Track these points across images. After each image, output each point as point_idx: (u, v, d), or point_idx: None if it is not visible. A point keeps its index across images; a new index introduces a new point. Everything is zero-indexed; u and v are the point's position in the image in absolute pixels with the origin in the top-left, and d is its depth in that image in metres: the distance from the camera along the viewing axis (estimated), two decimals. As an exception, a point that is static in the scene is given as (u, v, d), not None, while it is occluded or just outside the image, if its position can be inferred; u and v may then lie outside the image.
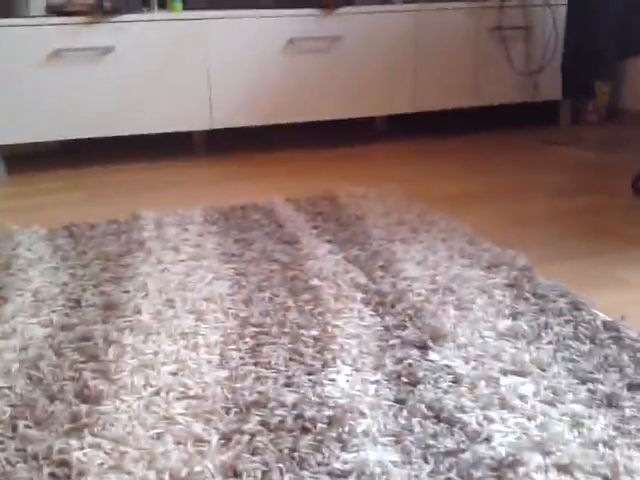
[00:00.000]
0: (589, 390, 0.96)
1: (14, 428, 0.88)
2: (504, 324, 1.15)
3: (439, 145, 2.60)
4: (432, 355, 1.05)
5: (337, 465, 0.81)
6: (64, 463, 0.81)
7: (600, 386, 0.96)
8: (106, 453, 0.83)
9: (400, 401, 0.94)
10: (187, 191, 2.03)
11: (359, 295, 1.26)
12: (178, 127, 2.36)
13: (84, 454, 0.83)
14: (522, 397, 0.94)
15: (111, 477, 0.79)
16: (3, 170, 2.23)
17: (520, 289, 1.29)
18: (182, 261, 1.43)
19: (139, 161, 2.38)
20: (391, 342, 1.09)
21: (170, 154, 2.46)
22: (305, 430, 0.88)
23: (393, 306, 1.21)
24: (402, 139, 2.69)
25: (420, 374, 0.99)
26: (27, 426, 0.88)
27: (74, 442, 0.85)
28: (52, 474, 0.80)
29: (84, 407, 0.92)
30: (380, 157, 2.44)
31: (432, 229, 1.61)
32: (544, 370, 1.01)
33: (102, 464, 0.81)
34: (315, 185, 2.02)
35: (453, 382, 0.98)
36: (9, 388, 0.97)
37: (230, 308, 1.22)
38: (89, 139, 2.28)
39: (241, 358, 1.05)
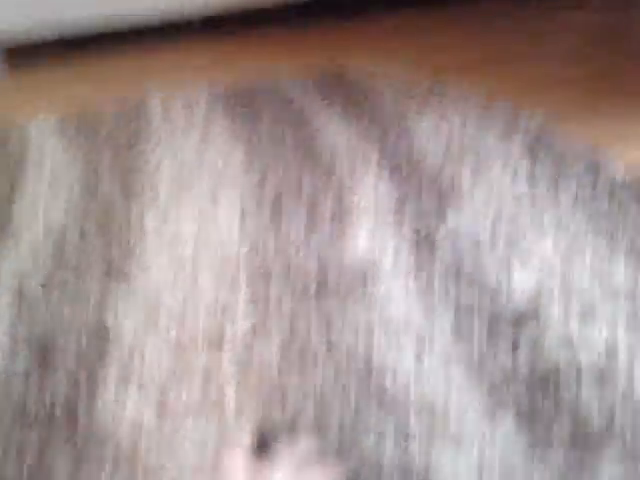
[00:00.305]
0: (609, 246, 0.97)
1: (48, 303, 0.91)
2: (521, 187, 1.15)
3: (440, 15, 2.51)
4: (450, 219, 1.06)
5: (362, 324, 0.84)
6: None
7: (620, 242, 0.98)
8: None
9: (419, 265, 0.96)
10: (190, 73, 1.99)
11: (374, 163, 1.26)
12: (179, 8, 2.28)
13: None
14: (542, 256, 0.96)
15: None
16: (3, 62, 2.18)
17: (537, 151, 1.28)
18: (192, 144, 1.43)
19: (142, 45, 2.32)
20: (408, 208, 1.10)
21: (171, 36, 2.39)
22: (327, 294, 0.90)
23: (409, 172, 1.21)
24: (402, 11, 2.59)
25: (438, 238, 1.01)
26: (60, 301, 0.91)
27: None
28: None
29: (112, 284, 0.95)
30: (384, 30, 2.37)
31: (444, 98, 1.59)
32: (563, 230, 1.02)
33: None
34: (321, 62, 1.97)
35: (472, 245, 1.00)
36: (37, 270, 0.99)
37: (244, 188, 1.22)
38: (89, 27, 2.21)
39: (259, 234, 1.07)
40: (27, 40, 2.29)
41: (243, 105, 1.63)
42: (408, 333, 0.82)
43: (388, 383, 0.74)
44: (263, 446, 0.44)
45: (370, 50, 2.10)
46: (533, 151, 1.29)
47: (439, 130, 1.40)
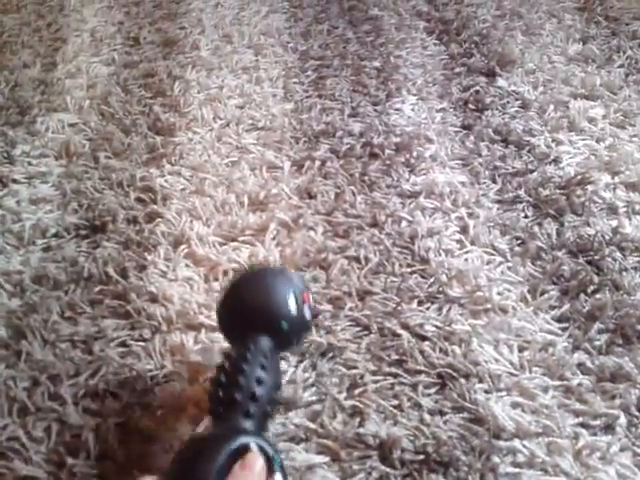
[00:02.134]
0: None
1: (96, 159, 0.92)
2: (574, 48, 1.11)
3: None
4: (499, 81, 1.03)
5: (406, 186, 0.84)
6: (148, 189, 0.86)
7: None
8: (186, 179, 0.88)
9: (467, 127, 0.94)
10: None
11: (422, 24, 1.21)
12: None
13: (166, 181, 0.87)
14: (591, 120, 0.94)
15: (194, 200, 0.84)
16: None
17: (591, 12, 1.22)
18: (235, -5, 1.38)
19: None
20: (457, 70, 1.07)
21: None
22: (373, 156, 0.90)
23: (458, 33, 1.16)
24: None
25: (487, 100, 0.99)
26: (107, 157, 0.92)
27: (154, 170, 0.89)
28: (138, 199, 0.85)
29: (159, 139, 0.95)
30: None
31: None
32: (614, 93, 0.99)
33: (184, 189, 0.86)
34: None
35: (521, 107, 0.98)
36: (84, 123, 0.99)
37: (288, 42, 1.19)
38: None
39: (305, 91, 1.05)
40: None
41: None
42: (452, 199, 0.82)
43: (432, 251, 0.75)
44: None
45: None
46: (588, 10, 1.23)
47: (493, -16, 1.33)
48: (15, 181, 0.88)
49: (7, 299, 0.71)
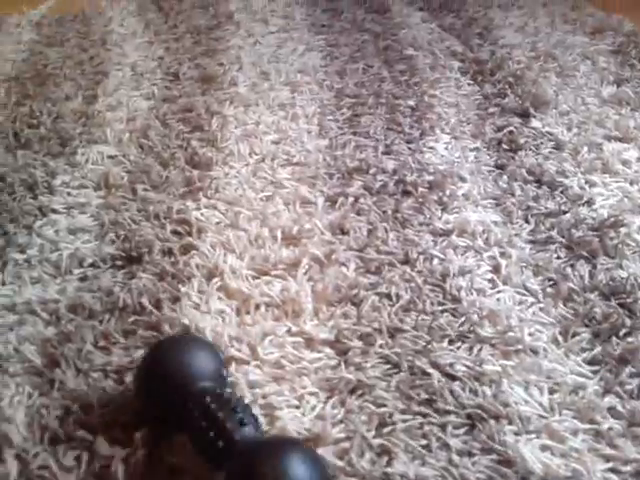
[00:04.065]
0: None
1: (134, 191, 0.94)
2: (608, 90, 1.11)
3: None
4: (533, 122, 1.04)
5: (439, 225, 0.85)
6: (184, 222, 0.87)
7: None
8: (221, 213, 0.89)
9: (500, 166, 0.95)
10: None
11: (456, 64, 1.22)
12: None
13: (202, 214, 0.89)
14: (625, 162, 0.94)
15: (229, 234, 0.85)
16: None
17: (626, 55, 1.22)
18: (272, 33, 1.41)
19: None
20: (490, 110, 1.08)
21: None
22: (406, 194, 0.91)
23: (492, 74, 1.18)
24: None
25: (521, 141, 0.99)
26: (145, 189, 0.94)
27: (191, 203, 0.91)
28: (174, 231, 0.86)
29: (196, 172, 0.97)
30: None
31: (533, -7, 1.51)
32: (650, 136, 0.99)
33: (219, 223, 0.87)
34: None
35: (555, 148, 0.98)
36: (123, 156, 1.02)
37: (324, 80, 1.21)
38: None
39: (339, 128, 1.07)
40: None
41: (324, -6, 1.59)
42: (485, 238, 0.82)
43: (464, 290, 0.75)
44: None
45: None
46: (622, 53, 1.23)
47: (526, 28, 1.34)
48: (54, 211, 0.90)
49: (43, 327, 0.72)
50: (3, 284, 0.78)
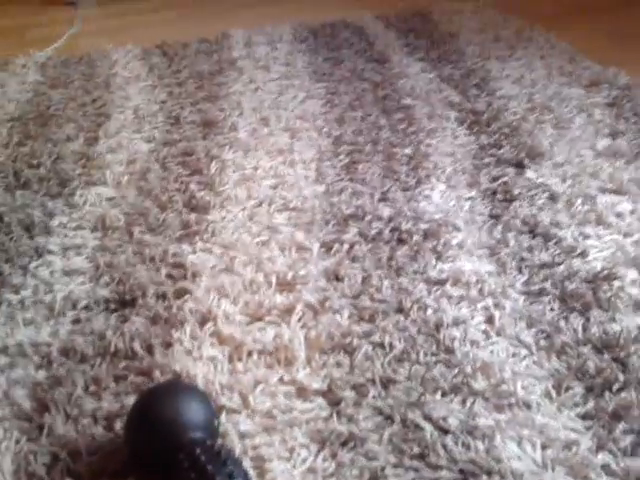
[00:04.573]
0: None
1: (130, 234, 0.95)
2: (603, 143, 1.12)
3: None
4: (528, 173, 1.04)
5: (433, 273, 0.85)
6: (179, 265, 0.88)
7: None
8: (217, 257, 0.89)
9: (495, 216, 0.95)
10: (275, 8, 1.97)
11: (453, 114, 1.24)
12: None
13: (197, 257, 0.89)
14: (619, 215, 0.95)
15: (224, 278, 0.85)
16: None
17: (620, 108, 1.24)
18: (273, 80, 1.43)
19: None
20: (486, 160, 1.09)
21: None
22: (401, 242, 0.91)
23: (488, 125, 1.19)
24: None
25: (515, 191, 1.00)
26: (142, 232, 0.95)
27: (187, 247, 0.91)
28: (169, 275, 0.86)
29: (193, 216, 0.97)
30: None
31: (530, 46, 1.54)
32: (644, 190, 1.00)
33: (214, 267, 0.88)
34: (406, 0, 1.92)
35: (549, 199, 0.99)
36: (122, 197, 1.03)
37: (323, 127, 1.23)
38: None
39: (337, 174, 1.08)
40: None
41: (325, 44, 1.61)
42: (479, 288, 0.83)
43: (457, 340, 0.75)
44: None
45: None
46: (617, 106, 1.25)
47: (523, 80, 1.36)
48: (50, 252, 0.91)
49: (34, 370, 0.72)
50: (-4, 325, 0.78)
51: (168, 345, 0.75)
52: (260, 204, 1.01)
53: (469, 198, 1.00)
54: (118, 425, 0.65)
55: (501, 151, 1.11)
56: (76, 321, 0.79)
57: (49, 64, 1.57)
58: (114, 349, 0.74)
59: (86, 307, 0.81)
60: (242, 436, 0.64)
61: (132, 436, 0.61)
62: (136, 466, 0.61)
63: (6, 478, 0.61)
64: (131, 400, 0.67)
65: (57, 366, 0.72)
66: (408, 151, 1.12)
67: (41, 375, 0.71)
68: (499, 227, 0.93)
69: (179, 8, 2.02)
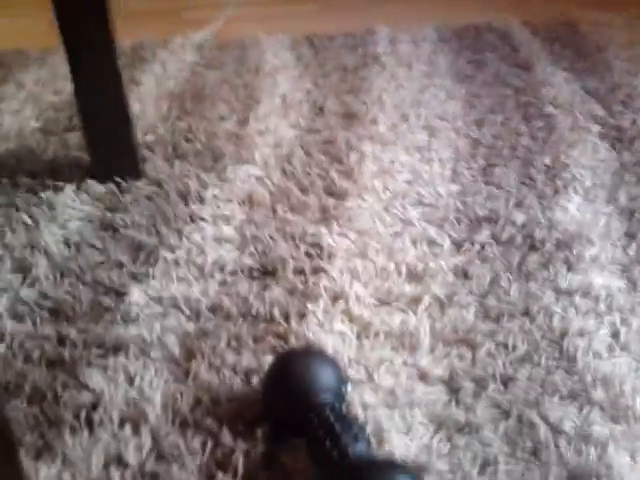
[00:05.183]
0: None
1: (274, 211, 1.02)
2: None
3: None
4: (670, 194, 1.03)
5: (563, 283, 0.86)
6: (316, 245, 0.94)
7: None
8: (351, 242, 0.95)
9: (631, 235, 0.95)
10: (420, 6, 2.00)
11: (596, 128, 1.23)
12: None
13: (333, 240, 0.95)
14: None
15: (357, 262, 0.90)
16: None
17: None
18: (415, 78, 1.47)
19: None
20: (626, 178, 1.08)
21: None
22: (533, 248, 0.93)
23: (632, 142, 1.18)
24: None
25: (655, 212, 0.99)
26: (285, 210, 1.02)
27: (324, 229, 0.97)
28: (307, 252, 0.93)
29: (331, 201, 1.03)
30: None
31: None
32: None
33: (348, 250, 0.93)
34: (554, 8, 1.90)
35: (690, 224, 0.97)
36: (267, 177, 1.10)
37: (462, 128, 1.25)
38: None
39: (472, 176, 1.10)
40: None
41: (469, 46, 1.63)
42: (608, 302, 0.83)
43: (581, 350, 0.76)
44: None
45: (609, 3, 1.98)
46: None
47: (676, 98, 1.33)
48: (203, 219, 0.99)
49: (184, 321, 0.80)
50: (153, 278, 0.87)
51: (302, 315, 0.81)
52: (395, 197, 1.05)
53: (606, 213, 1.00)
54: (255, 380, 0.72)
55: (643, 169, 1.10)
56: (223, 283, 0.87)
57: (205, 46, 1.67)
58: (255, 312, 0.81)
59: (232, 272, 0.88)
60: (365, 407, 0.69)
61: (268, 393, 0.67)
62: (269, 419, 0.67)
63: (156, 410, 0.68)
64: (268, 359, 0.74)
65: (204, 320, 0.80)
66: (547, 160, 1.13)
67: (190, 326, 0.79)
68: (634, 245, 0.93)
69: (326, 0, 2.09)
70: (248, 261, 0.90)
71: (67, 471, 0.63)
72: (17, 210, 1.03)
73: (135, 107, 1.28)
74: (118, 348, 0.77)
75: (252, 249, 0.92)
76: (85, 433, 0.67)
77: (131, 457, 0.64)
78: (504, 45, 1.63)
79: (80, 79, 1.04)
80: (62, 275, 0.89)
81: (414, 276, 0.88)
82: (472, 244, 0.94)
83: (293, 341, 0.77)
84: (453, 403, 0.70)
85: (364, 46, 1.65)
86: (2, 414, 0.49)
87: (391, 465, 0.59)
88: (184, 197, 1.04)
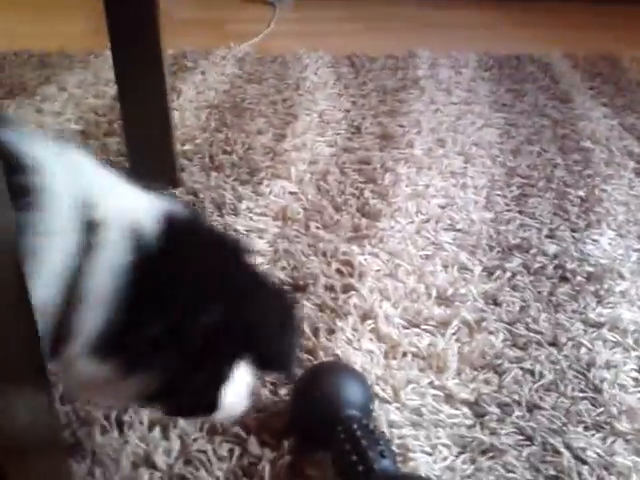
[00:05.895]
0: None
1: (307, 227, 1.03)
2: None
3: None
4: None
5: (592, 315, 0.87)
6: (348, 263, 0.95)
7: None
8: (383, 262, 0.96)
9: (663, 272, 0.95)
10: (462, 33, 2.02)
11: (632, 164, 1.24)
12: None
13: (365, 259, 0.96)
14: None
15: (387, 282, 0.91)
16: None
17: None
18: (454, 104, 1.48)
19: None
20: (661, 215, 1.08)
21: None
22: (564, 280, 0.93)
23: (668, 180, 1.18)
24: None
25: (688, 250, 0.99)
26: (317, 227, 1.03)
27: (356, 248, 0.98)
28: (338, 270, 0.94)
29: (364, 221, 1.04)
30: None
31: None
32: None
33: (379, 270, 0.94)
34: (596, 43, 1.90)
35: None
36: (302, 194, 1.12)
37: (498, 156, 1.26)
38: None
39: (506, 204, 1.11)
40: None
41: (509, 76, 1.64)
42: (635, 337, 0.83)
43: (607, 382, 0.77)
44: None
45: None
46: None
47: None
48: (236, 231, 1.01)
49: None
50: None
51: (331, 332, 0.82)
52: (428, 220, 1.06)
53: (638, 250, 1.00)
54: (282, 391, 0.73)
55: (678, 208, 1.10)
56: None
57: (246, 59, 1.71)
58: (285, 326, 0.82)
59: (265, 284, 0.90)
60: (390, 425, 0.70)
61: (296, 405, 0.69)
62: (296, 430, 0.68)
63: (186, 416, 0.70)
64: (296, 373, 0.75)
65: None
66: (581, 193, 1.14)
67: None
68: (665, 282, 0.93)
69: (368, 21, 2.12)
70: (280, 275, 0.92)
71: (97, 469, 0.65)
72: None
73: (174, 116, 1.30)
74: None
75: (284, 263, 0.94)
76: (115, 433, 0.69)
77: (160, 460, 0.65)
78: (544, 76, 1.64)
79: (125, 86, 1.07)
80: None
81: (444, 300, 0.89)
82: (503, 271, 0.94)
83: (322, 356, 0.78)
84: (478, 426, 0.71)
85: (404, 69, 1.67)
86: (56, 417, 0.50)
87: (417, 483, 0.60)
88: (219, 208, 1.06)
